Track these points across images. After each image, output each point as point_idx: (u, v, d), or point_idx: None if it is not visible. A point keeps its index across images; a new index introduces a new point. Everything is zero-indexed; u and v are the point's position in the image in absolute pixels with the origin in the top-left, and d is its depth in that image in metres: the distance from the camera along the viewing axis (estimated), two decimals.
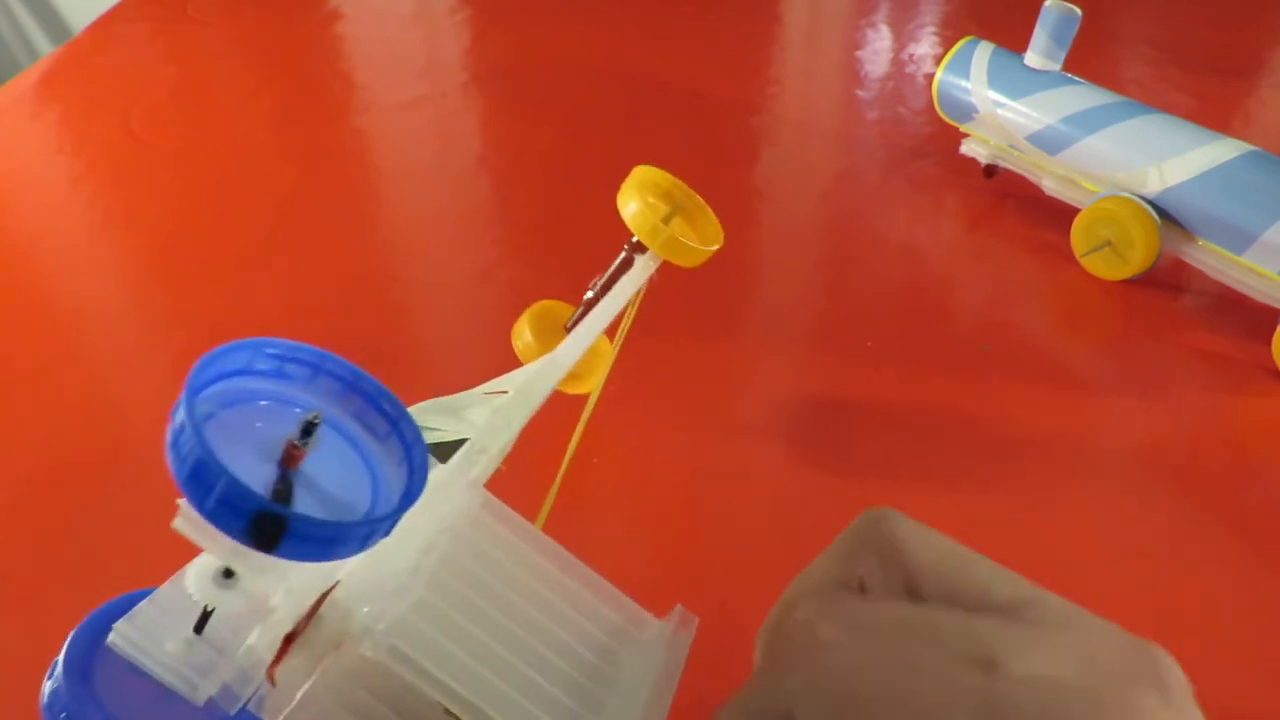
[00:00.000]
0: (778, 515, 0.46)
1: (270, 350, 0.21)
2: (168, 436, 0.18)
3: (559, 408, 0.36)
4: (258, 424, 0.20)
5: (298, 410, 0.21)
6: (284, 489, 0.19)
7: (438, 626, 0.22)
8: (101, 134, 0.75)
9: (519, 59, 0.87)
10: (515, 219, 0.68)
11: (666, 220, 0.41)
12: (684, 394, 0.52)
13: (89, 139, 0.75)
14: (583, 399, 0.43)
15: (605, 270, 0.42)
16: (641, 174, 0.41)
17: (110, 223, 0.66)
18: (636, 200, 0.40)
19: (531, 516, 0.27)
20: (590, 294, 0.42)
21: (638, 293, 0.40)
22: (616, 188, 0.41)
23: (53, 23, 1.53)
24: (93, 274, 0.62)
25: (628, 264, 0.41)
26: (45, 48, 1.55)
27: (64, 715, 0.23)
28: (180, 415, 0.18)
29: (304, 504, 0.20)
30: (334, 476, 0.21)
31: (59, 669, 0.23)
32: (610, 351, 0.45)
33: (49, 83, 0.82)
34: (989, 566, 0.20)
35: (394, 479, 0.21)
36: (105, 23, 0.91)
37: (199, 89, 0.82)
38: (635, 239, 0.40)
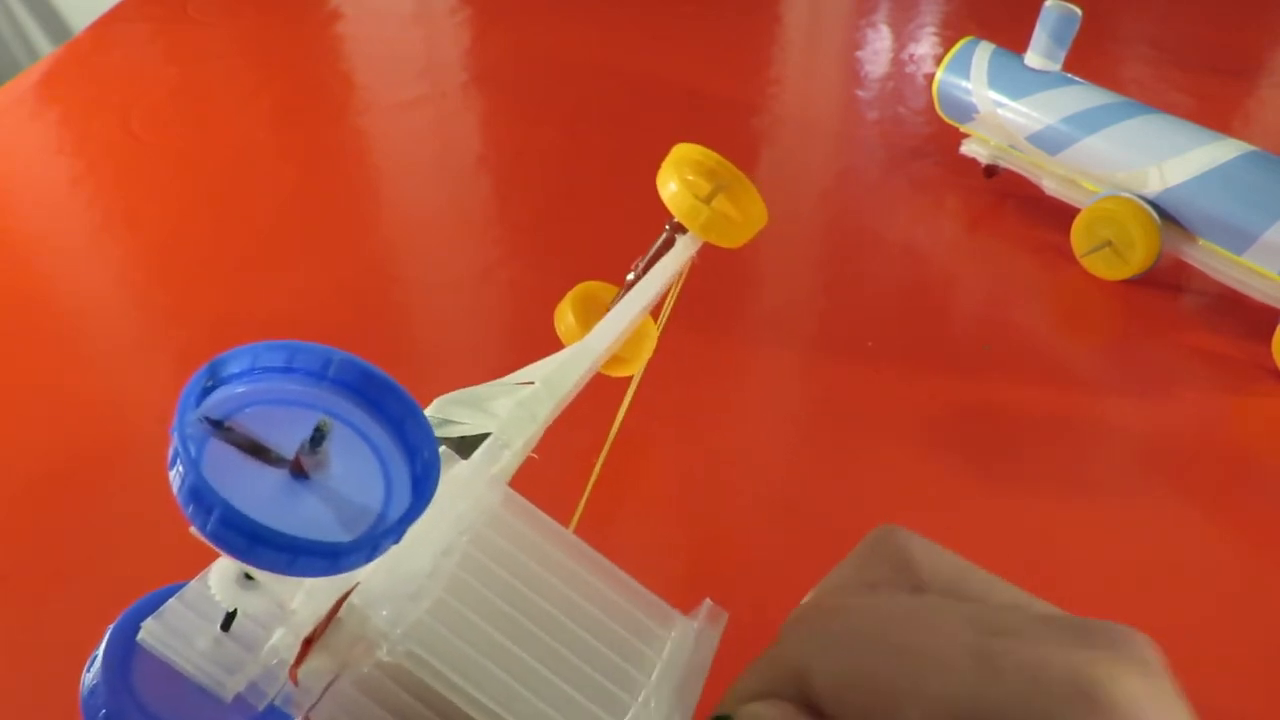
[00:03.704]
0: (776, 515, 0.46)
1: (278, 350, 0.21)
2: (168, 456, 0.18)
3: (597, 389, 0.35)
4: (272, 428, 0.20)
5: (314, 412, 0.21)
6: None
7: (456, 630, 0.21)
8: (101, 134, 0.75)
9: (519, 59, 0.87)
10: (515, 219, 0.68)
11: (709, 199, 0.39)
12: (683, 393, 0.52)
13: (89, 139, 0.75)
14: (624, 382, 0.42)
15: (646, 252, 0.40)
16: (681, 152, 0.40)
17: (110, 223, 0.66)
18: (675, 179, 0.39)
19: (559, 503, 0.26)
20: (631, 276, 0.40)
21: (679, 274, 0.39)
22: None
23: (53, 23, 1.53)
24: (93, 274, 0.62)
25: (669, 245, 0.39)
26: (45, 48, 1.55)
27: (104, 713, 0.23)
28: (175, 440, 0.18)
29: (314, 509, 0.20)
30: (350, 477, 0.20)
31: (98, 664, 0.24)
32: (655, 333, 0.43)
33: (49, 83, 0.82)
34: (990, 577, 0.21)
35: (407, 484, 0.21)
36: (105, 23, 0.91)
37: (199, 89, 0.82)
38: (676, 219, 0.39)
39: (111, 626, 0.24)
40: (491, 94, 0.82)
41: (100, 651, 0.24)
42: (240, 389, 0.21)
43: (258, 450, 0.20)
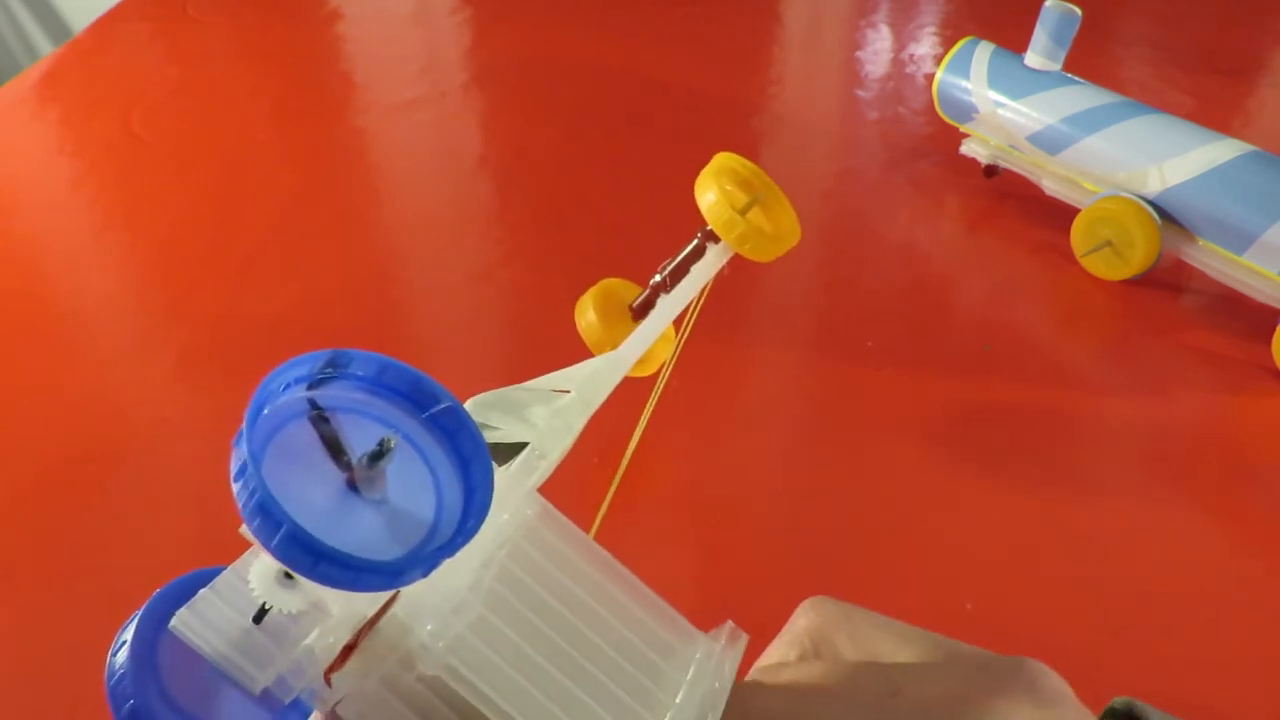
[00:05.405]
0: (776, 514, 0.46)
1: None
2: (231, 467, 0.18)
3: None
4: (347, 433, 0.20)
5: (379, 425, 0.21)
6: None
7: (493, 645, 0.22)
8: (101, 134, 0.75)
9: (519, 59, 0.87)
10: (515, 219, 0.68)
11: (744, 211, 0.39)
12: (683, 393, 0.52)
13: (89, 139, 0.75)
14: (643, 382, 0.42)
15: (675, 255, 0.40)
16: (721, 161, 0.39)
17: (110, 223, 0.66)
18: (714, 189, 0.38)
19: (570, 507, 0.27)
20: (658, 278, 0.40)
21: (707, 284, 0.39)
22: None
23: (53, 23, 1.53)
24: (93, 274, 0.62)
25: (699, 253, 0.39)
26: (45, 48, 1.55)
27: (130, 704, 0.23)
28: (242, 449, 0.18)
29: (368, 522, 0.20)
30: (406, 490, 0.21)
31: (125, 651, 0.23)
32: (673, 335, 0.43)
33: (49, 83, 0.82)
34: (906, 631, 0.23)
35: (458, 504, 0.21)
36: (105, 23, 0.91)
37: (199, 89, 0.82)
38: (708, 228, 0.38)
39: (140, 612, 0.24)
40: (491, 94, 0.82)
41: (128, 640, 0.23)
42: (352, 392, 0.21)
43: (336, 449, 0.20)
